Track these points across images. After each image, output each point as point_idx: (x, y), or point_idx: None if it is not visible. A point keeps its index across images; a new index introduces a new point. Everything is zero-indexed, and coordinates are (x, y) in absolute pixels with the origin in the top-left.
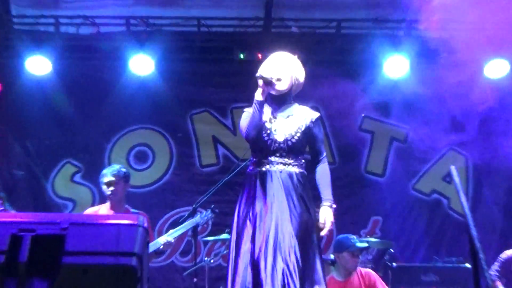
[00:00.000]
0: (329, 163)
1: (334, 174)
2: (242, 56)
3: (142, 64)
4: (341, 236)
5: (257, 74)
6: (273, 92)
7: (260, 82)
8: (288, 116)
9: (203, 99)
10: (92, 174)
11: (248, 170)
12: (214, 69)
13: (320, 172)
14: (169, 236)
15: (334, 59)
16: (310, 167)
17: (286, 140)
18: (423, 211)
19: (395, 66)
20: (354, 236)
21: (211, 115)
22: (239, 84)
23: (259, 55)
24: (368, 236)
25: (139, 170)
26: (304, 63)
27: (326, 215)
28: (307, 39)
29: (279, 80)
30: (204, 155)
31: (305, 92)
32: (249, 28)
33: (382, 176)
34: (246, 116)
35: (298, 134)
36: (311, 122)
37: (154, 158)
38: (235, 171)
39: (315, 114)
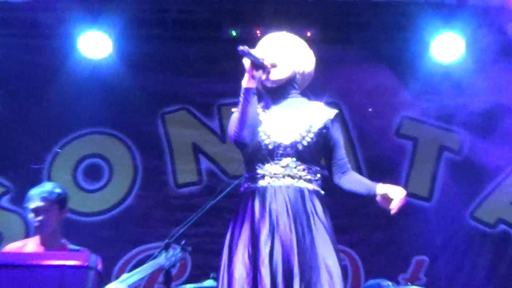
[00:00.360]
0: None
1: (361, 197)
2: (234, 33)
3: (95, 44)
4: (371, 282)
5: (240, 47)
6: (267, 84)
7: (247, 63)
8: (294, 112)
9: (180, 93)
10: (25, 196)
11: (241, 189)
12: (195, 51)
13: (352, 178)
14: (122, 284)
15: (362, 38)
16: (328, 186)
17: (294, 144)
18: (485, 247)
19: (446, 47)
20: (390, 283)
21: (190, 115)
22: (230, 72)
23: (258, 32)
24: (409, 283)
25: (90, 191)
26: (321, 43)
27: (391, 187)
28: (326, 9)
29: (273, 66)
30: (181, 171)
31: (321, 84)
32: None
33: (429, 200)
34: (233, 118)
35: (311, 135)
36: (329, 121)
37: (112, 174)
38: (224, 192)
39: (332, 111)
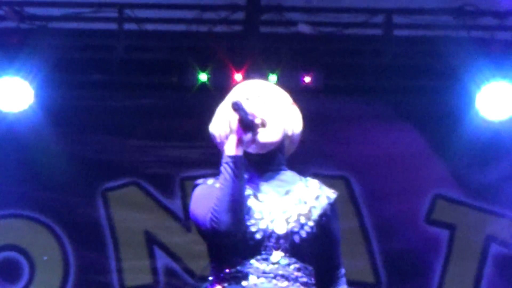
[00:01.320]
0: (369, 286)
1: None
2: (204, 77)
3: (11, 93)
4: None
5: (234, 100)
6: (252, 150)
7: (234, 120)
8: (287, 192)
9: (128, 161)
10: None
11: None
12: (148, 103)
13: None
14: None
15: (380, 87)
16: None
17: (290, 234)
18: None
19: (497, 100)
20: None
21: (142, 192)
22: (197, 132)
23: (236, 76)
24: None
25: None
26: (323, 93)
27: None
28: (331, 46)
29: (263, 125)
30: (130, 269)
31: (322, 150)
32: (218, 26)
33: None
34: (204, 193)
35: (311, 224)
36: (328, 206)
37: (33, 274)
38: None
39: (333, 193)
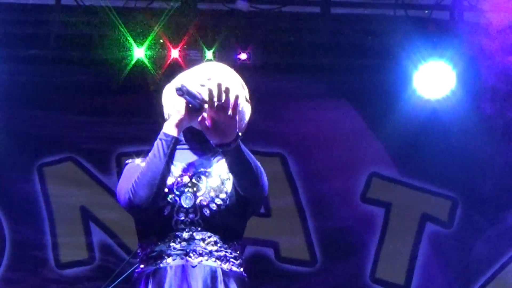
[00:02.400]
0: (306, 264)
1: (313, 286)
2: (140, 53)
3: None
4: None
5: (177, 85)
6: (196, 126)
7: (181, 103)
8: (201, 166)
9: (64, 137)
10: None
11: (134, 274)
12: (85, 78)
13: None
14: None
15: (318, 64)
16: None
17: (199, 207)
18: None
19: (433, 79)
20: None
21: (78, 168)
22: (134, 108)
23: (173, 52)
24: None
25: None
26: (259, 71)
27: None
28: (268, 23)
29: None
30: (66, 245)
31: (257, 127)
32: (156, 2)
33: None
34: (130, 171)
35: (223, 196)
36: None
37: None
38: (124, 275)
39: None
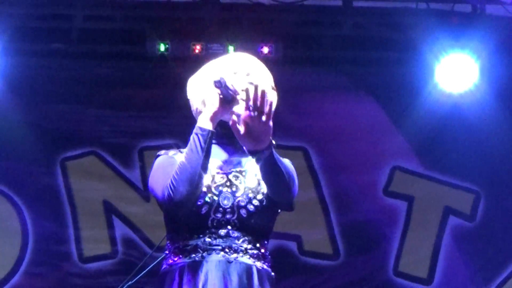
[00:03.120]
0: (328, 257)
1: (335, 279)
2: (162, 47)
3: None
4: None
5: (217, 78)
6: (226, 119)
7: (216, 96)
8: (237, 164)
9: (87, 131)
10: None
11: (163, 266)
12: (107, 73)
13: None
14: None
15: (340, 58)
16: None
17: (237, 208)
18: None
19: (455, 73)
20: None
21: (101, 162)
22: (157, 102)
23: (197, 48)
24: None
25: None
26: (282, 64)
27: None
28: (289, 18)
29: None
30: (89, 239)
31: (279, 120)
32: None
33: (428, 283)
34: (165, 164)
35: (260, 197)
36: None
37: None
38: (147, 269)
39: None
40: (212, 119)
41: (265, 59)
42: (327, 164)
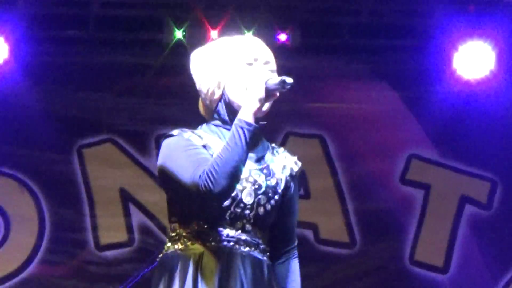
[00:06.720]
0: (344, 245)
1: (352, 268)
2: (179, 34)
3: None
4: None
5: (289, 79)
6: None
7: (261, 90)
8: (258, 160)
9: (103, 118)
10: None
11: (170, 250)
12: (124, 59)
13: (290, 276)
14: None
15: (357, 46)
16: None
17: (256, 205)
18: None
19: (473, 60)
20: None
21: (118, 149)
22: (173, 89)
23: (212, 33)
24: None
25: None
26: (299, 52)
27: None
28: (306, 5)
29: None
30: (105, 227)
31: (297, 108)
32: None
33: (445, 272)
34: (184, 146)
35: (277, 197)
36: (292, 178)
37: (8, 231)
38: (147, 270)
39: (297, 162)
40: (256, 113)
41: (282, 47)
42: (343, 152)
